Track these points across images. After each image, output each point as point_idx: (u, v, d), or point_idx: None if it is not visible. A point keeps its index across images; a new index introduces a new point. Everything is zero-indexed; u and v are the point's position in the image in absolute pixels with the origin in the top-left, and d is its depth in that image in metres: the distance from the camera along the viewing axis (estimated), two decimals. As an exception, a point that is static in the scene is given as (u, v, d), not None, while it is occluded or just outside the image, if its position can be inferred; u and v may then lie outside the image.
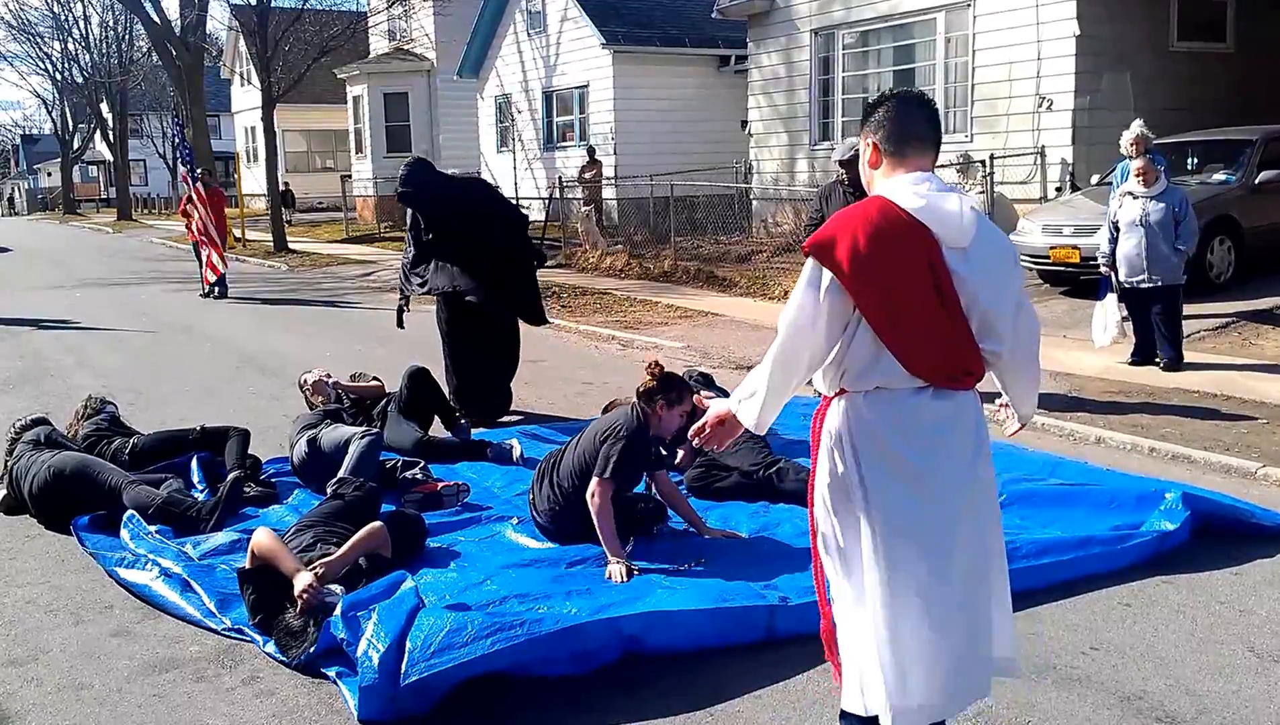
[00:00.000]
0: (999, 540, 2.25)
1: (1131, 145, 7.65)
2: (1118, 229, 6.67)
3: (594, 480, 3.72)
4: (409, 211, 6.11)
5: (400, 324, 6.25)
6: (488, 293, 5.84)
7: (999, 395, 2.44)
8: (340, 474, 4.34)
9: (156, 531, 4.05)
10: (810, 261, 2.13)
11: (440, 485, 4.56)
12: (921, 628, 2.09)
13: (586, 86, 18.18)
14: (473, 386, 5.97)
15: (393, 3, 21.82)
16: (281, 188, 21.25)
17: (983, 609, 2.18)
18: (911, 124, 2.22)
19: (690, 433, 2.41)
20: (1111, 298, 6.81)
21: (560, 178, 16.82)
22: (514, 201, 6.38)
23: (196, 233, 12.92)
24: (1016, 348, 2.21)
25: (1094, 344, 7.00)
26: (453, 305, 5.99)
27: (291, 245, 19.09)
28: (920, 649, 2.09)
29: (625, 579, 3.52)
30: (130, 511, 4.17)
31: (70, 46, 36.12)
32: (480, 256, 5.85)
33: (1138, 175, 6.63)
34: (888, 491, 2.11)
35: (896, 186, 2.17)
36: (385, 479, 4.58)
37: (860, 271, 2.06)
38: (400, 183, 5.96)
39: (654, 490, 4.13)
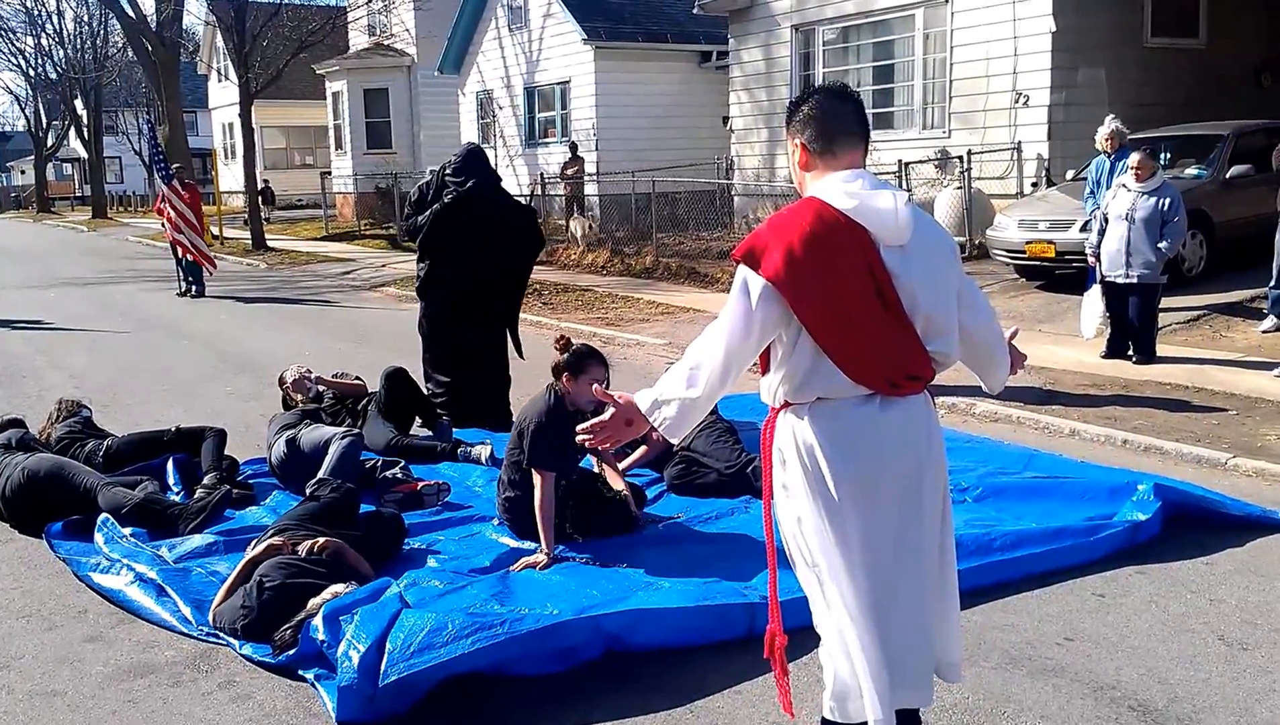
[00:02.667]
0: (949, 550, 2.22)
1: (1106, 141, 7.74)
2: (1107, 220, 6.72)
3: (533, 472, 3.75)
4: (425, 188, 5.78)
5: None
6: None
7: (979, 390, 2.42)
8: (320, 474, 4.32)
9: (131, 534, 4.01)
10: (742, 269, 2.05)
11: (420, 484, 4.54)
12: (871, 635, 2.08)
13: (568, 82, 18.13)
14: (458, 393, 5.85)
15: (371, -3, 21.68)
16: (260, 185, 21.06)
17: (929, 616, 2.16)
18: (838, 119, 2.12)
19: (580, 429, 2.19)
20: (1097, 289, 6.87)
21: (542, 174, 16.76)
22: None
23: (173, 232, 12.75)
24: (975, 331, 2.19)
25: (1082, 335, 7.06)
26: (451, 305, 5.79)
27: (270, 243, 18.92)
28: (872, 655, 2.08)
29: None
30: (105, 515, 4.12)
31: (44, 42, 35.62)
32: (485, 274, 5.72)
33: (1133, 169, 6.63)
34: (834, 506, 2.08)
35: (829, 186, 2.08)
36: (364, 479, 4.56)
37: (797, 279, 1.98)
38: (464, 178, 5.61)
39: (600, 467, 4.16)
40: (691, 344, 2.14)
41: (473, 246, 5.66)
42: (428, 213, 5.67)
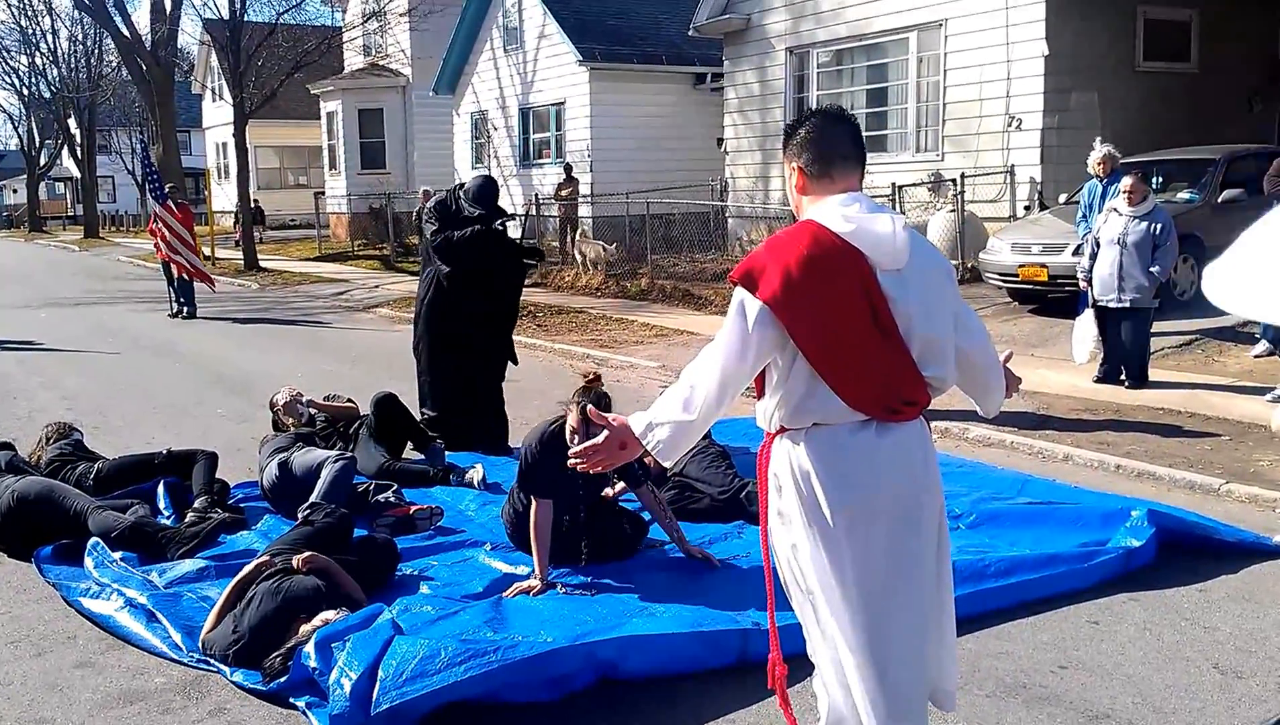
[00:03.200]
0: (946, 577, 2.21)
1: (1099, 165, 7.81)
2: (1099, 245, 6.76)
3: (531, 498, 3.75)
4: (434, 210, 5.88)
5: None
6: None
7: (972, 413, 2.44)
8: (312, 498, 4.29)
9: (121, 558, 3.98)
10: (739, 291, 2.05)
11: (413, 508, 4.52)
12: (868, 664, 2.07)
13: (563, 103, 18.24)
14: (455, 415, 5.83)
15: (368, 18, 21.80)
16: (251, 204, 21.07)
17: (926, 643, 2.14)
18: (835, 142, 2.14)
19: (571, 452, 2.17)
20: (1089, 313, 6.89)
21: (537, 195, 16.83)
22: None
23: (167, 252, 12.73)
24: (971, 354, 2.19)
25: (1074, 360, 7.07)
26: (448, 323, 5.81)
27: (263, 263, 18.91)
28: (868, 684, 2.07)
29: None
30: (95, 539, 4.09)
31: (38, 61, 35.67)
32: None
33: (1125, 193, 6.68)
34: (830, 534, 2.06)
35: (826, 210, 2.08)
36: (357, 502, 4.54)
37: (794, 302, 1.98)
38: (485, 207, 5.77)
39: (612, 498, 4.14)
40: (687, 366, 2.14)
41: (483, 271, 5.72)
42: (467, 230, 5.70)
